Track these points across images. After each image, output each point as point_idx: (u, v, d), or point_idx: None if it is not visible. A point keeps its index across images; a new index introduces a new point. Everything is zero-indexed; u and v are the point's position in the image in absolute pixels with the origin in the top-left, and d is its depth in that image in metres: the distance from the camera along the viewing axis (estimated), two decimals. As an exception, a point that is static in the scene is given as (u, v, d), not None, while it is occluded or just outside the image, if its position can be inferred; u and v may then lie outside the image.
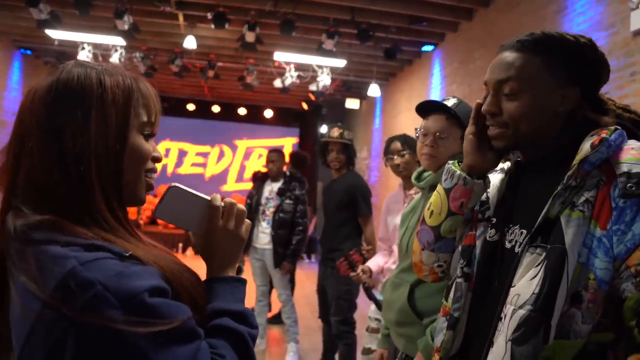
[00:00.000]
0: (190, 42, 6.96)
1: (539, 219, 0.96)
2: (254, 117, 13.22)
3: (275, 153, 4.43)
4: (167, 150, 13.51)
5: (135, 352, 0.68)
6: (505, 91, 1.03)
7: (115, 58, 8.00)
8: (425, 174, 1.91)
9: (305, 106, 12.27)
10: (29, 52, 9.21)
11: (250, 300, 4.51)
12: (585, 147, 0.96)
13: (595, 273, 0.90)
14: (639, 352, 0.86)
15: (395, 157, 2.75)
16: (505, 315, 0.97)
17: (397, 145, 2.79)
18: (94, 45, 7.93)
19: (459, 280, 1.13)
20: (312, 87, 8.63)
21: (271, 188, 4.36)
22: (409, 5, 6.12)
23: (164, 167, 13.50)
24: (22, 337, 0.70)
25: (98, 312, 0.66)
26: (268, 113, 13.07)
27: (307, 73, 8.38)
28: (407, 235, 1.87)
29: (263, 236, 4.26)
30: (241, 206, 0.92)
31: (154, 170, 0.87)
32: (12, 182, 0.78)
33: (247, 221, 0.93)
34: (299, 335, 4.31)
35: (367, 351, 2.65)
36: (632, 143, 0.97)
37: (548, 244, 0.94)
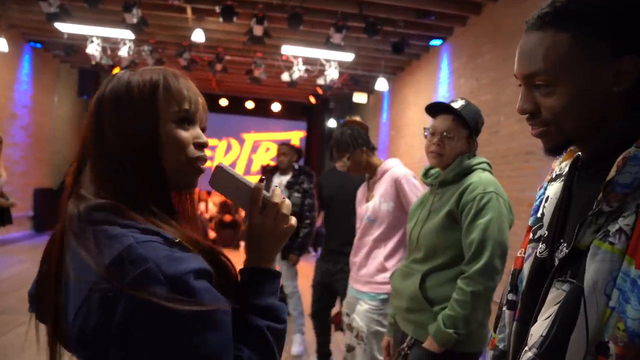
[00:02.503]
0: (198, 36, 6.98)
1: (570, 245, 0.80)
2: (262, 110, 13.26)
3: (286, 146, 4.49)
4: (175, 144, 13.65)
5: (172, 328, 0.72)
6: (537, 84, 0.83)
7: (123, 51, 8.05)
8: (433, 170, 2.02)
9: (312, 100, 12.29)
10: (38, 45, 9.28)
11: None
12: (631, 150, 0.76)
13: (626, 323, 0.70)
14: None
15: (341, 165, 2.70)
16: (522, 352, 0.84)
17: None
18: (103, 38, 7.98)
19: (504, 308, 0.99)
20: (320, 81, 8.66)
21: (280, 181, 4.40)
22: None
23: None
24: (76, 305, 0.77)
25: (146, 286, 0.71)
26: (276, 106, 13.10)
27: (315, 67, 8.39)
28: (417, 228, 1.93)
29: None
30: (287, 202, 0.92)
31: (203, 157, 0.89)
32: (78, 172, 0.88)
33: (292, 219, 0.92)
34: (304, 326, 4.35)
35: (350, 348, 2.62)
36: None
37: (575, 278, 0.77)
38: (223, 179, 0.92)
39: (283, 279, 4.38)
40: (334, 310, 3.58)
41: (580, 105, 0.82)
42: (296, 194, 4.26)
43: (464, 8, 6.39)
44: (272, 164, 4.64)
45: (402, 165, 2.64)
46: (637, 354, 0.69)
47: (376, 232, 2.58)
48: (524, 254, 0.96)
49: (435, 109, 1.93)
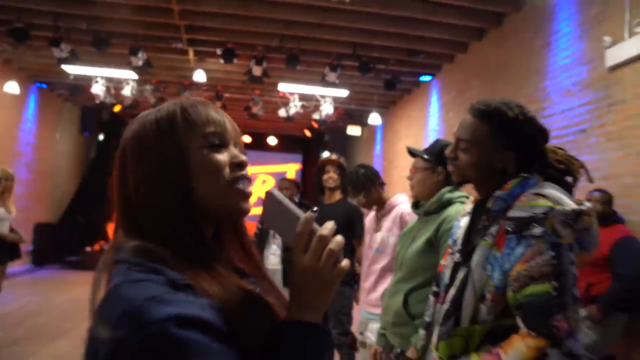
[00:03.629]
0: (199, 76, 7.33)
1: (467, 246, 1.41)
2: (259, 144, 13.57)
3: (287, 181, 4.83)
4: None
5: None
6: (461, 146, 1.42)
7: (127, 91, 8.38)
8: (423, 201, 2.28)
9: (308, 133, 12.63)
10: (44, 85, 9.62)
11: None
12: (491, 198, 1.36)
13: (495, 282, 1.27)
14: (517, 333, 1.21)
15: (357, 201, 3.14)
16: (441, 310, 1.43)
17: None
18: (107, 78, 8.32)
19: (430, 297, 1.56)
20: (315, 116, 9.00)
21: None
22: (407, 40, 6.52)
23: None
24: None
25: (120, 331, 0.64)
26: (272, 140, 13.44)
27: (311, 102, 8.76)
28: (402, 252, 2.24)
29: (273, 258, 4.57)
30: (339, 238, 0.77)
31: (243, 177, 0.84)
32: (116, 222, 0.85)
33: (346, 261, 0.78)
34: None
35: None
36: (529, 191, 1.31)
37: (467, 263, 1.36)
38: (272, 207, 0.82)
39: None
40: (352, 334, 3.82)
41: (478, 167, 1.40)
42: None
43: (452, 47, 6.80)
44: None
45: (408, 202, 2.91)
46: (500, 297, 1.26)
47: (383, 262, 2.89)
48: (444, 262, 1.52)
49: (411, 152, 2.33)
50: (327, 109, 8.63)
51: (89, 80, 8.31)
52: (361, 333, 2.98)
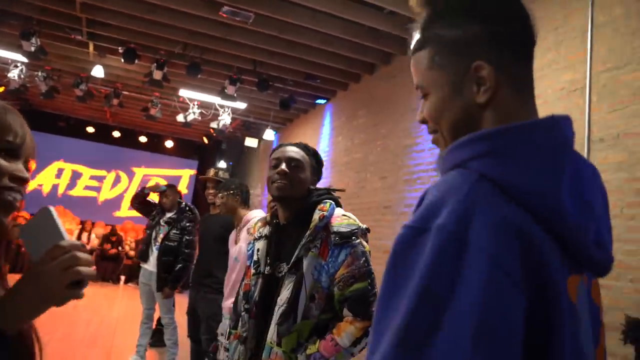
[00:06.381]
0: (98, 71, 7.22)
1: (293, 258, 1.67)
2: (155, 145, 13.34)
3: (170, 189, 4.88)
4: (60, 171, 13.21)
5: None
6: (291, 164, 1.82)
7: (14, 74, 7.96)
8: None
9: (205, 140, 12.65)
10: None
11: (137, 321, 4.89)
12: (315, 217, 1.69)
13: (322, 284, 1.63)
14: (345, 321, 1.62)
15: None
16: (275, 313, 1.66)
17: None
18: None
19: (243, 314, 1.78)
20: (213, 125, 9.11)
21: (164, 217, 4.82)
22: (304, 64, 6.91)
23: (55, 187, 13.17)
24: None
25: None
26: (169, 143, 13.26)
27: (210, 111, 8.89)
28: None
29: (153, 260, 4.70)
30: (83, 255, 0.77)
31: (16, 190, 0.82)
32: None
33: (82, 288, 0.76)
34: (177, 356, 4.68)
35: None
36: (337, 212, 1.72)
37: (298, 271, 1.65)
38: (41, 221, 0.82)
39: (160, 310, 4.73)
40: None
41: (304, 183, 1.80)
42: (175, 231, 4.67)
43: (346, 76, 7.31)
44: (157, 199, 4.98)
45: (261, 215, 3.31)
46: (326, 296, 1.62)
47: (238, 270, 3.22)
48: (250, 282, 1.79)
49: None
50: (225, 119, 8.81)
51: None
52: (222, 334, 3.24)
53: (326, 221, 1.67)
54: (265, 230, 1.85)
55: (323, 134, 8.48)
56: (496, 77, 0.73)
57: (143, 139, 12.99)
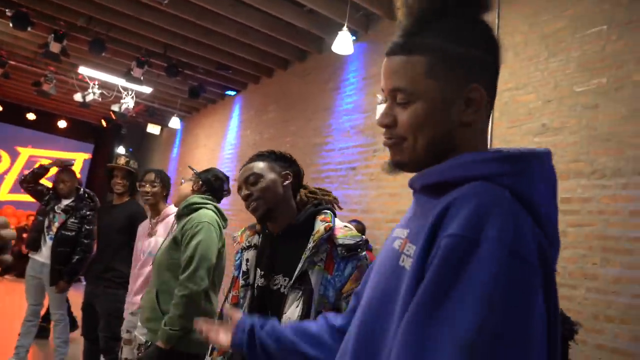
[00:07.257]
0: (-17, 36, 6.53)
1: (297, 272, 1.54)
2: (45, 125, 12.34)
3: (67, 173, 4.35)
4: None
5: None
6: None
7: None
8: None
9: (104, 123, 11.95)
10: None
11: (19, 319, 4.39)
12: (320, 228, 1.57)
13: (329, 299, 1.52)
14: None
15: (147, 186, 3.25)
16: None
17: (152, 176, 3.31)
18: None
19: None
20: (115, 107, 8.61)
21: (60, 204, 4.32)
22: (218, 53, 6.74)
23: None
24: None
25: None
26: (62, 123, 12.35)
27: (112, 92, 8.39)
28: (157, 253, 2.51)
29: (46, 250, 4.22)
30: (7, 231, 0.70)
31: None
32: None
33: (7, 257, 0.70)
34: (66, 356, 4.31)
35: None
36: (338, 224, 1.61)
37: (302, 286, 1.54)
38: None
39: (50, 305, 4.31)
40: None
41: (281, 201, 1.63)
42: (73, 219, 4.23)
43: (259, 69, 7.23)
44: (49, 184, 4.49)
45: None
46: (332, 310, 1.48)
47: (151, 264, 3.02)
48: (238, 294, 1.69)
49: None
50: (128, 102, 8.36)
51: None
52: (128, 331, 3.03)
53: (330, 232, 1.58)
54: (255, 240, 1.74)
55: (231, 127, 8.33)
56: (486, 101, 0.81)
57: (31, 116, 11.96)
